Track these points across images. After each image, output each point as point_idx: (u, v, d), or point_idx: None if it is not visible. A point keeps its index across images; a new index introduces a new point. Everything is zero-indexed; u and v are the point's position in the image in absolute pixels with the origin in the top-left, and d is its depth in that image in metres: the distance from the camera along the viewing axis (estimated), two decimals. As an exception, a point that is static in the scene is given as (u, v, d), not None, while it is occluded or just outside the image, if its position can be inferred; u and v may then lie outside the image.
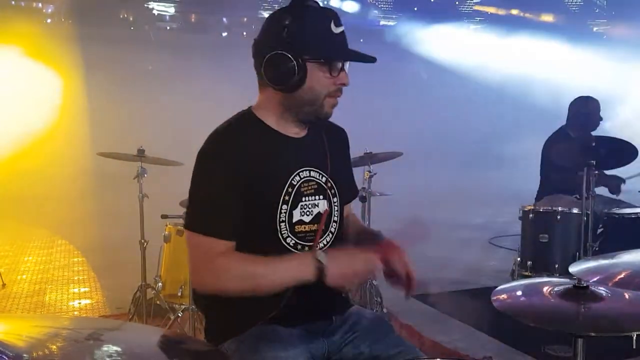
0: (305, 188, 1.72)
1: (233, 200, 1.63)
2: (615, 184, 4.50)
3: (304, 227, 1.70)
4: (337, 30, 1.66)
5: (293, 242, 1.69)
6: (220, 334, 1.71)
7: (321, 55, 1.64)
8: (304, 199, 1.71)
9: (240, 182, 1.63)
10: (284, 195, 1.67)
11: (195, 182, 1.67)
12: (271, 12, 1.75)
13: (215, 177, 1.65)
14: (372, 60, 1.70)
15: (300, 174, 1.72)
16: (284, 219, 1.67)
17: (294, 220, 1.69)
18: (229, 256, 1.62)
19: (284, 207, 1.67)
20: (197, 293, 1.85)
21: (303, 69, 1.63)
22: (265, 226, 1.67)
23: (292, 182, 1.69)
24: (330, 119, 1.80)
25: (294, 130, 1.74)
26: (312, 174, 1.74)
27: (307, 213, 1.71)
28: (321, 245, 1.73)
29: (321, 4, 1.71)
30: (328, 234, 1.75)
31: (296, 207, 1.69)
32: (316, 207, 1.73)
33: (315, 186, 1.74)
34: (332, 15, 1.67)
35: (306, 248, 1.70)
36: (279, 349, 1.59)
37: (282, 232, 1.68)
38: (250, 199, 1.64)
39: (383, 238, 1.78)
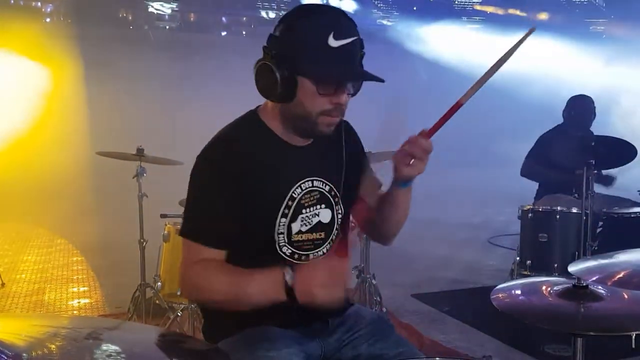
0: (307, 200, 1.67)
1: (225, 209, 1.59)
2: (608, 179, 4.50)
3: (301, 237, 1.68)
4: (336, 43, 1.50)
5: (290, 251, 1.67)
6: (217, 334, 1.71)
7: (310, 73, 1.52)
8: (304, 210, 1.67)
9: (236, 192, 1.59)
10: (284, 209, 1.64)
11: (191, 187, 1.65)
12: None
13: (210, 184, 1.62)
14: (375, 79, 1.56)
15: (302, 185, 1.67)
16: (282, 231, 1.64)
17: (293, 232, 1.66)
18: (208, 264, 1.59)
19: (283, 220, 1.64)
20: None
21: (290, 83, 1.53)
22: (262, 237, 1.64)
23: (293, 195, 1.65)
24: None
25: (297, 138, 1.68)
26: (316, 183, 1.69)
27: (307, 223, 1.68)
28: (321, 253, 1.71)
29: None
30: (329, 242, 1.73)
31: (295, 220, 1.66)
32: (316, 216, 1.69)
33: (318, 196, 1.69)
34: (335, 25, 1.51)
35: (303, 257, 1.68)
36: (274, 349, 1.58)
37: (280, 243, 1.65)
38: (247, 210, 1.61)
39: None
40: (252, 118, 1.70)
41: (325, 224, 1.71)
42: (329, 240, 1.73)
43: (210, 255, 1.60)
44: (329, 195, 1.72)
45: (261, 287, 1.51)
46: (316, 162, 1.70)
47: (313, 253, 1.70)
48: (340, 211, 1.74)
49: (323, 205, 1.71)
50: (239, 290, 1.54)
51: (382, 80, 1.56)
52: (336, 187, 1.73)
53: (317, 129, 1.60)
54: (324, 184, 1.71)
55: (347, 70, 1.55)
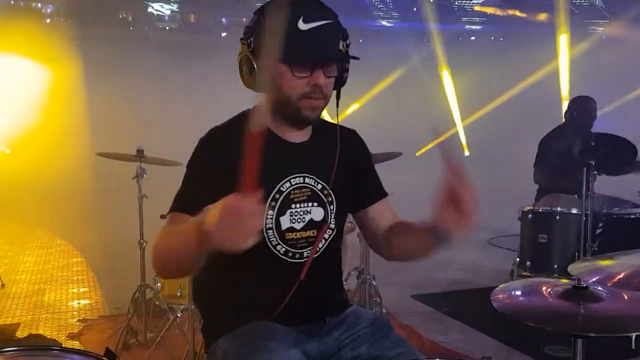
0: (296, 195, 1.68)
1: (208, 185, 1.58)
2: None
3: (295, 235, 1.68)
4: (305, 26, 1.56)
5: (283, 249, 1.67)
6: (215, 332, 1.71)
7: (283, 57, 1.53)
8: (293, 205, 1.67)
9: (223, 176, 1.57)
10: (270, 201, 1.64)
11: (185, 174, 1.68)
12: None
13: (199, 166, 1.65)
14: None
15: (292, 180, 1.68)
16: (270, 225, 1.64)
17: (283, 228, 1.66)
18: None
19: (270, 212, 1.64)
20: (196, 290, 1.86)
21: (268, 70, 1.57)
22: None
23: (281, 188, 1.66)
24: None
25: (292, 134, 1.70)
26: (307, 180, 1.70)
27: (299, 220, 1.68)
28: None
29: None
30: (321, 240, 1.73)
31: (284, 214, 1.66)
32: (308, 213, 1.70)
33: (309, 193, 1.70)
34: (305, 10, 1.57)
35: (297, 255, 1.68)
36: (272, 348, 1.58)
37: (271, 240, 1.65)
38: None
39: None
40: (246, 114, 1.72)
41: (317, 222, 1.72)
42: (322, 238, 1.73)
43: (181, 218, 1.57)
44: (321, 194, 1.72)
45: (181, 232, 1.43)
46: (309, 160, 1.72)
47: (307, 251, 1.70)
48: (333, 210, 1.74)
49: (315, 204, 1.71)
50: (168, 239, 1.51)
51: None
52: (329, 186, 1.73)
53: (302, 114, 1.63)
54: (316, 182, 1.72)
55: (318, 51, 1.59)
